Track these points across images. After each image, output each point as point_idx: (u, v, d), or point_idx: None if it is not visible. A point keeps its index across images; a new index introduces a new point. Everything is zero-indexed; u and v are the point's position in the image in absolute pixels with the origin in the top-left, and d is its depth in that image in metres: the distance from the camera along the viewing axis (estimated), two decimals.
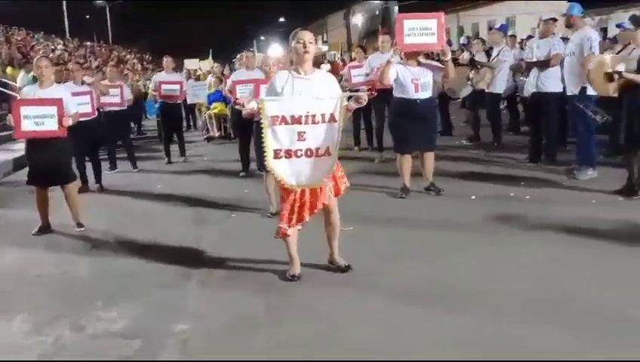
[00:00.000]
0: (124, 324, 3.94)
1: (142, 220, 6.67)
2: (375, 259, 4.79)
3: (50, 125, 6.07)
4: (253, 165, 8.50)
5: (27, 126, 6.05)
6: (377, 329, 3.63)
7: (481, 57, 10.21)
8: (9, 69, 18.45)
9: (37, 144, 6.16)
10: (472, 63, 9.99)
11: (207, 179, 9.10)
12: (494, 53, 9.98)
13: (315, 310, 4.00)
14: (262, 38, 56.60)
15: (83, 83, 8.62)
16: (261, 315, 3.96)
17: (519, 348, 3.30)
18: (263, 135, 4.31)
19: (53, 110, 6.06)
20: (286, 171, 4.31)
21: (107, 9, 52.48)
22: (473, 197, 6.63)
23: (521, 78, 8.03)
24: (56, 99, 6.12)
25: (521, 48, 11.19)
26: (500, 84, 9.72)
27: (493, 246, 5.02)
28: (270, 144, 4.29)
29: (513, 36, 10.78)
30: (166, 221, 6.61)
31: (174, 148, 10.87)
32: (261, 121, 4.32)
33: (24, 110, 6.04)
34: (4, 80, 16.33)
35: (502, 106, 10.74)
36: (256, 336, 3.64)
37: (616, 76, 6.08)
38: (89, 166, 8.51)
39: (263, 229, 5.45)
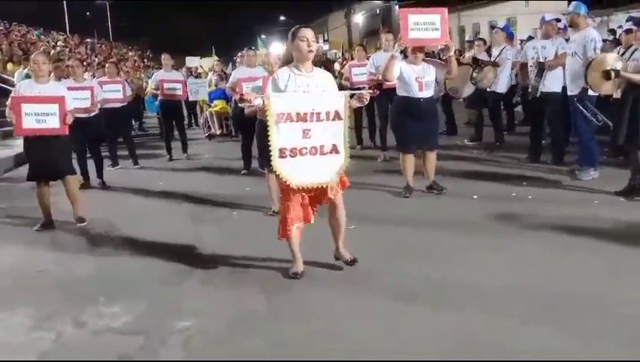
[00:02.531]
0: (125, 321, 3.93)
1: (144, 217, 6.67)
2: (377, 258, 4.78)
3: (52, 123, 6.06)
4: (255, 163, 8.52)
5: (28, 123, 6.03)
6: (378, 329, 3.62)
7: (482, 57, 10.20)
8: (9, 65, 18.45)
9: (37, 140, 6.14)
10: (475, 62, 9.96)
11: (208, 176, 9.09)
12: (496, 52, 9.97)
13: (316, 308, 3.99)
14: (263, 36, 56.61)
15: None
16: (262, 313, 3.95)
17: (518, 347, 3.29)
18: (267, 133, 4.23)
19: (55, 108, 6.05)
20: (291, 171, 4.25)
21: (107, 6, 52.58)
22: (475, 196, 6.62)
23: (536, 78, 7.87)
24: (58, 97, 6.12)
25: (521, 48, 11.12)
26: (502, 84, 9.69)
27: (494, 245, 5.01)
28: (276, 142, 4.22)
29: (511, 38, 10.77)
30: (168, 218, 6.60)
31: (176, 144, 10.86)
32: (266, 118, 4.22)
33: (25, 107, 6.02)
34: (4, 76, 16.31)
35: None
36: (257, 334, 3.64)
37: (612, 74, 6.04)
38: (90, 162, 8.51)
39: (265, 227, 5.44)
